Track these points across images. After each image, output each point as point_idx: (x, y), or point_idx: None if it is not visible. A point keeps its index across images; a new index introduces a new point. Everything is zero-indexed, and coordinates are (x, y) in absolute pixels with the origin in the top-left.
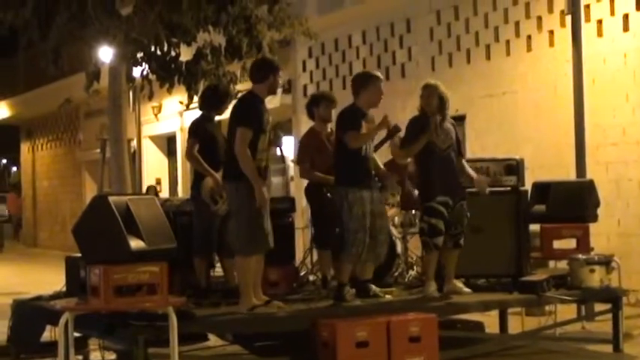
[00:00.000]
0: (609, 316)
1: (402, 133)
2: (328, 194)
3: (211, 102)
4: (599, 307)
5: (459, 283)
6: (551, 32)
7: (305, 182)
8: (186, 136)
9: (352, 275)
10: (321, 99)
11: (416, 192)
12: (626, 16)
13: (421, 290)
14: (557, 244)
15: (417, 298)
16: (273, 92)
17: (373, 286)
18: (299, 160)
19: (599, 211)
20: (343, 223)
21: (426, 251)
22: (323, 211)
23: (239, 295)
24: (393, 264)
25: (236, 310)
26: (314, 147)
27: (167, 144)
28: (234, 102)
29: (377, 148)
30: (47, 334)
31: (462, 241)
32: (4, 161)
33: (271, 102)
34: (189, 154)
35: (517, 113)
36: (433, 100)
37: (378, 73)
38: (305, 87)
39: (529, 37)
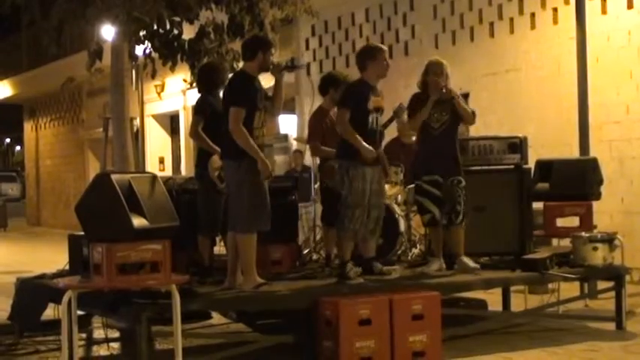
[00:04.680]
0: (612, 293)
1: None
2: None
3: (209, 80)
4: (602, 284)
5: (465, 259)
6: (555, 10)
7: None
8: (190, 114)
9: (356, 253)
10: (341, 83)
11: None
12: None
13: (424, 267)
14: (561, 222)
15: (420, 276)
16: (264, 69)
17: (378, 264)
18: (309, 139)
19: (603, 189)
20: (343, 198)
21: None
22: (332, 188)
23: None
24: (395, 242)
25: (240, 288)
26: (324, 125)
27: (170, 122)
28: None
29: (383, 127)
30: (50, 312)
31: (454, 218)
32: (8, 140)
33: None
34: (193, 133)
35: (520, 91)
36: (442, 80)
37: (383, 46)
38: (308, 65)
39: (533, 15)
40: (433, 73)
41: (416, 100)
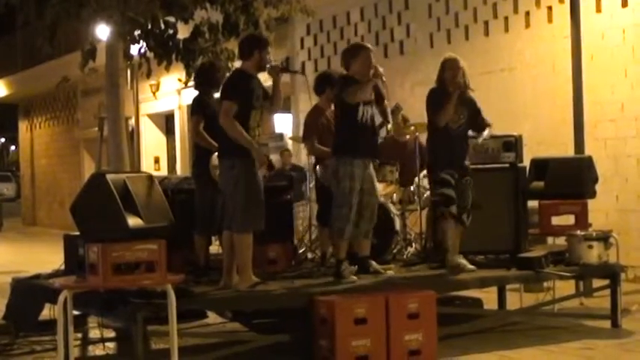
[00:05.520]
0: (607, 292)
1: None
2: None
3: (208, 79)
4: (597, 283)
5: (463, 260)
6: (550, 8)
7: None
8: (185, 114)
9: (352, 252)
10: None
11: None
12: None
13: (443, 263)
14: (556, 221)
15: (416, 275)
16: (261, 69)
17: (373, 263)
18: (305, 138)
19: (598, 187)
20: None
21: (444, 222)
22: (328, 187)
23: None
24: (391, 241)
25: (236, 287)
26: (319, 124)
27: (165, 122)
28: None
29: (379, 127)
30: (46, 312)
31: (464, 217)
32: (3, 140)
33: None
34: (195, 132)
35: (515, 90)
36: (459, 75)
37: (368, 44)
38: (303, 64)
39: (527, 14)
40: (450, 68)
41: (438, 95)
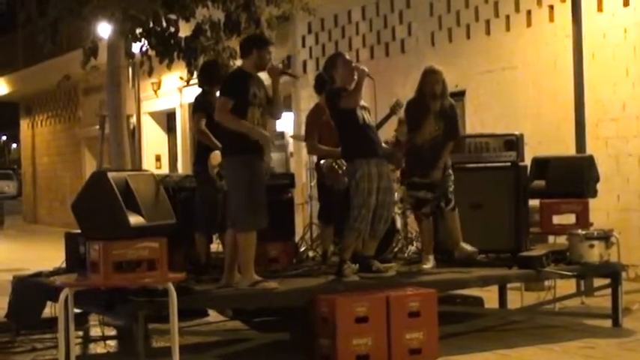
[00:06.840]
0: (608, 291)
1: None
2: (336, 166)
3: (211, 77)
4: (598, 282)
5: (465, 246)
6: (551, 7)
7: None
8: (186, 112)
9: (355, 251)
10: None
11: None
12: None
13: (418, 265)
14: (557, 220)
15: (417, 274)
16: (261, 68)
17: (376, 262)
18: (306, 137)
19: (599, 186)
20: (350, 198)
21: (419, 223)
22: (330, 186)
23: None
24: (392, 239)
25: (237, 285)
26: (320, 123)
27: (167, 120)
28: None
29: (379, 126)
30: (47, 310)
31: (445, 205)
32: (4, 138)
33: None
34: (197, 130)
35: (517, 89)
36: (438, 87)
37: (340, 52)
38: (304, 63)
39: (529, 12)
40: (429, 83)
41: (415, 109)
